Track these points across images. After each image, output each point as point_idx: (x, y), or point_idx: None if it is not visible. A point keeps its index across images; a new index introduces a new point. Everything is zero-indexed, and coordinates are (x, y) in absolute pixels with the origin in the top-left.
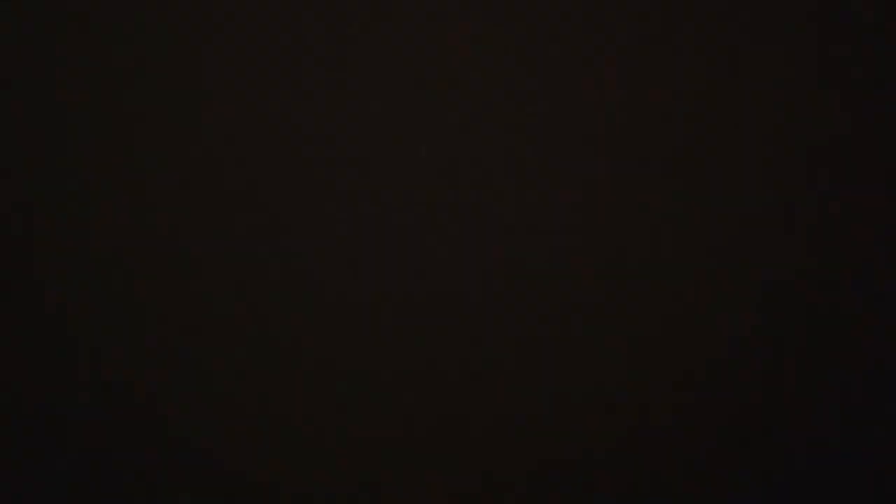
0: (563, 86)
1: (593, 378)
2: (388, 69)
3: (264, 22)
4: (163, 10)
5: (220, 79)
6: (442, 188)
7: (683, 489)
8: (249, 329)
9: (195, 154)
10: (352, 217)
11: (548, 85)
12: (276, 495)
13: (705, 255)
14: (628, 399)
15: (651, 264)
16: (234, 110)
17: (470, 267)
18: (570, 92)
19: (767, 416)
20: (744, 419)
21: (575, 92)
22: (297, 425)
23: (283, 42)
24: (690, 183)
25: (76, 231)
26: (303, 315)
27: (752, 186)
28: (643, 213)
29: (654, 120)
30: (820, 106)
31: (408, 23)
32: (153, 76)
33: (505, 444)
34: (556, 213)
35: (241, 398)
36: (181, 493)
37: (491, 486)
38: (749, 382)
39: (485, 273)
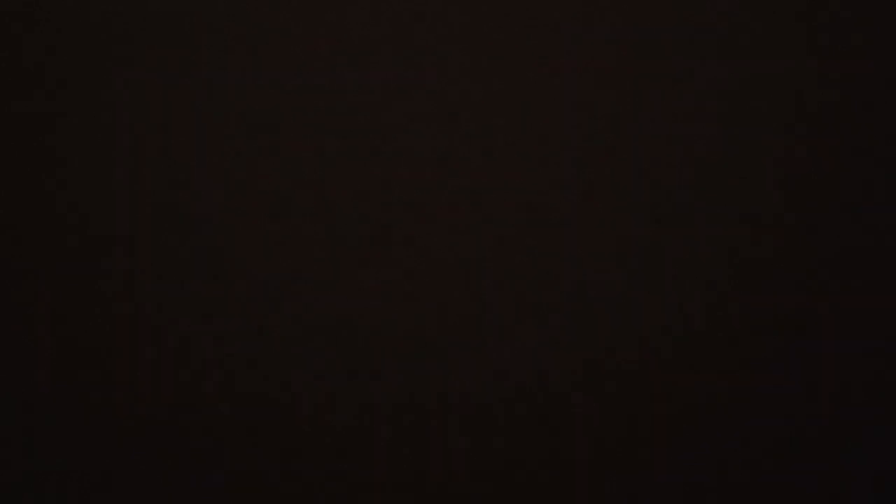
0: (563, 84)
1: (592, 374)
2: (390, 68)
3: (262, 21)
4: (162, 8)
5: (219, 76)
6: (441, 187)
7: (686, 488)
8: (249, 329)
9: (195, 151)
10: (351, 216)
11: (548, 85)
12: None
13: (706, 254)
14: (626, 395)
15: (651, 264)
16: (232, 106)
17: (469, 266)
18: (568, 91)
19: (767, 416)
20: (744, 420)
21: (573, 90)
22: (296, 425)
23: (282, 38)
24: (690, 182)
25: (79, 229)
26: (301, 315)
27: (753, 184)
28: (642, 212)
29: (653, 119)
30: (819, 106)
31: (407, 22)
32: (152, 73)
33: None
34: (553, 211)
35: (241, 399)
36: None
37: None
38: (749, 382)
39: (484, 273)
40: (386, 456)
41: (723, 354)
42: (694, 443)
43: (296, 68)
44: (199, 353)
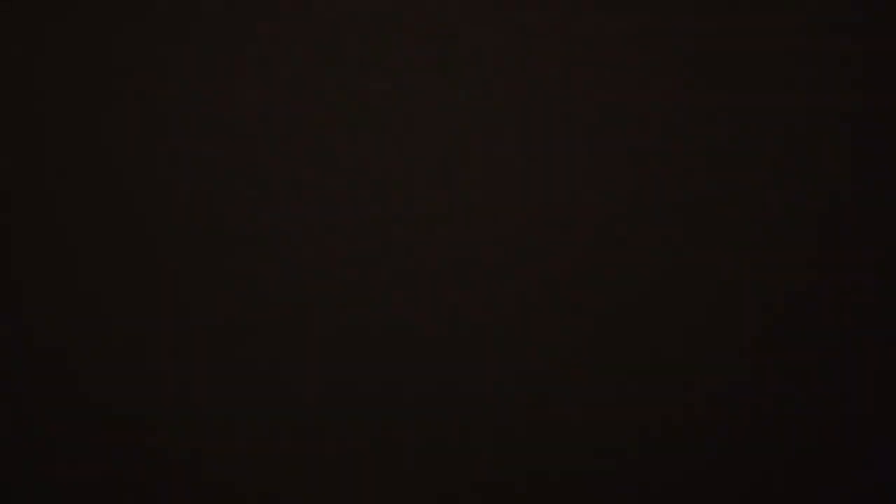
0: (562, 85)
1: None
2: (391, 69)
3: (260, 22)
4: (162, 10)
5: (218, 77)
6: (441, 188)
7: (687, 491)
8: (247, 332)
9: (192, 154)
10: (351, 218)
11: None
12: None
13: (708, 257)
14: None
15: (654, 267)
16: (232, 108)
17: (468, 269)
18: (567, 91)
19: (768, 419)
20: (746, 423)
21: (573, 91)
22: (291, 429)
23: (281, 41)
24: (690, 184)
25: (69, 231)
26: (299, 318)
27: (754, 187)
28: (643, 215)
29: (654, 120)
30: (820, 106)
31: (409, 22)
32: (149, 74)
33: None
34: (556, 214)
35: (238, 399)
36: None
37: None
38: (752, 387)
39: (483, 275)
40: (385, 456)
41: (724, 354)
42: (698, 444)
43: (299, 72)
44: (197, 352)
